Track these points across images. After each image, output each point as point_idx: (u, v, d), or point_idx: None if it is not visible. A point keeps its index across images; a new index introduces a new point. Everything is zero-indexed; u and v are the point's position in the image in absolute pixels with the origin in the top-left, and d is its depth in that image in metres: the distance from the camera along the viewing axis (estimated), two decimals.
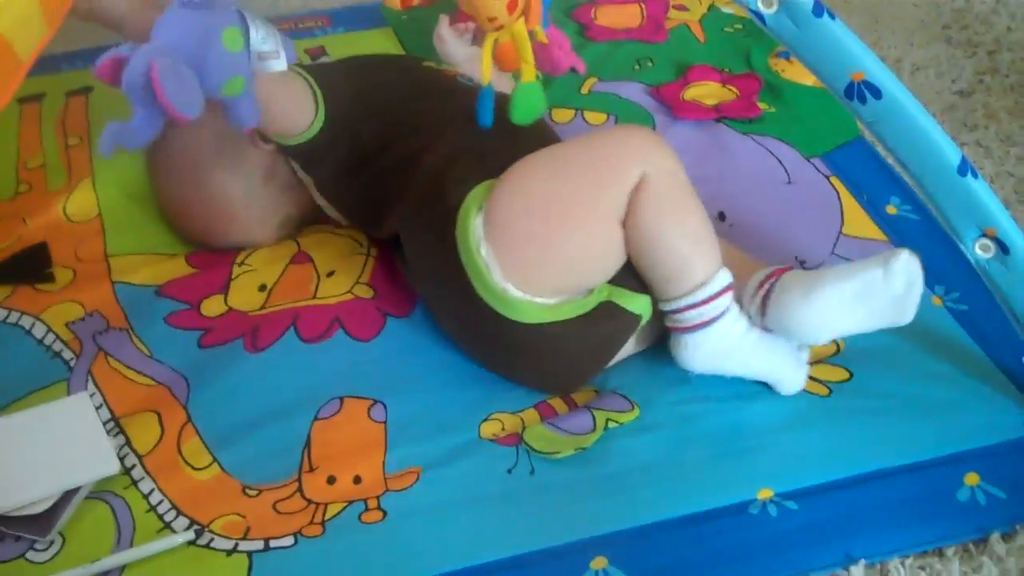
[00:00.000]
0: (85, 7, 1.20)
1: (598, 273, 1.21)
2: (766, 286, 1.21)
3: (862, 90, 1.14)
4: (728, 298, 1.19)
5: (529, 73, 1.22)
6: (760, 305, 1.20)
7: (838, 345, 1.31)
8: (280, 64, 1.18)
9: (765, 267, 1.24)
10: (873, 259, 1.16)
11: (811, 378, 1.26)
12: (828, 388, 1.26)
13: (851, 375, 1.28)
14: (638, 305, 1.22)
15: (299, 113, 1.31)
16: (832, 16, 1.13)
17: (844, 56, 1.13)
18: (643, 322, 1.23)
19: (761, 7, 1.15)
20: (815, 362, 1.28)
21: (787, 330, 1.20)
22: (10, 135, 1.62)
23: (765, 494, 1.15)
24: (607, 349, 1.25)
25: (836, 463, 1.17)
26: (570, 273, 1.21)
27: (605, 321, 1.22)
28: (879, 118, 1.15)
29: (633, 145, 1.20)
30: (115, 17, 1.21)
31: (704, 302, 1.17)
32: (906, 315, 1.17)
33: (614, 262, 1.20)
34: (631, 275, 1.21)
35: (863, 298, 1.16)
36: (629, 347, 1.27)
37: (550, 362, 1.24)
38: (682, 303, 1.18)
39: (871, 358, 1.29)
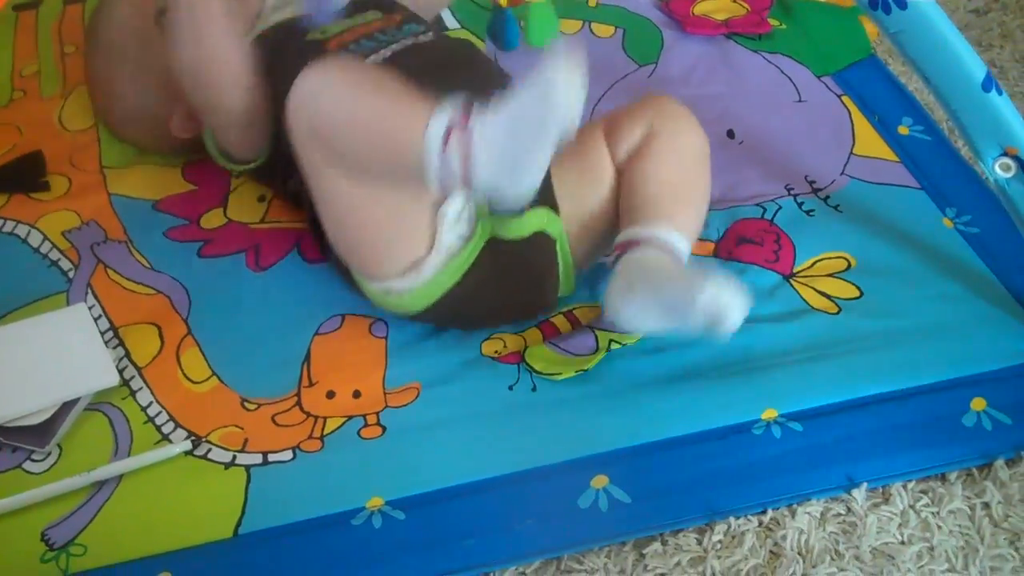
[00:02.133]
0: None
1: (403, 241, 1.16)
2: (612, 256, 1.17)
3: (887, 0, 1.11)
4: None
5: None
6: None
7: (849, 261, 1.29)
8: None
9: (627, 230, 1.18)
10: (690, 283, 1.08)
11: (821, 293, 1.25)
12: (838, 305, 1.24)
13: (861, 293, 1.26)
14: (530, 225, 1.18)
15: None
16: None
17: None
18: (560, 241, 1.20)
19: None
20: (826, 275, 1.27)
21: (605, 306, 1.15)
22: (5, 42, 1.59)
23: (770, 415, 1.13)
24: (540, 278, 1.22)
25: (842, 385, 1.16)
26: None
27: (508, 257, 1.18)
28: (903, 29, 1.12)
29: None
30: None
31: None
32: (722, 335, 1.09)
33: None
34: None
35: (673, 314, 1.09)
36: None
37: (490, 311, 1.22)
38: None
39: (882, 276, 1.27)
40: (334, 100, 1.08)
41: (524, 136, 0.99)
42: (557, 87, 0.97)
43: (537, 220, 1.18)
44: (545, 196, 1.17)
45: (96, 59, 1.40)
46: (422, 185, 1.04)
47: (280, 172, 1.24)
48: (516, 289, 1.20)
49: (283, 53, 1.23)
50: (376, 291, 1.19)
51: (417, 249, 1.15)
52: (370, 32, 1.27)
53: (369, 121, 1.07)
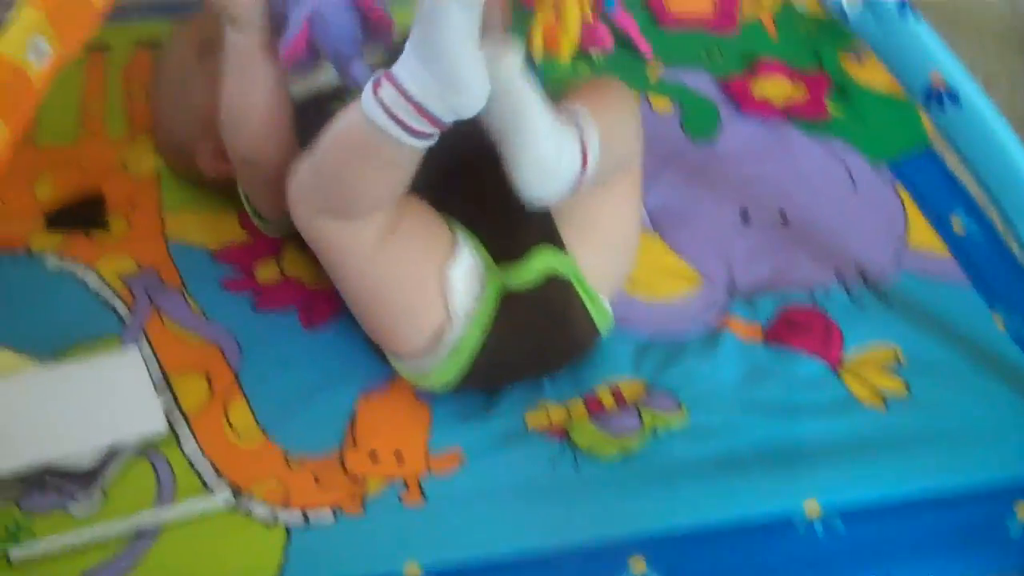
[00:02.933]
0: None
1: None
2: None
3: (941, 95, 1.12)
4: None
5: (568, 52, 1.22)
6: None
7: (898, 354, 1.29)
8: None
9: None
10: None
11: (868, 386, 1.25)
12: (884, 400, 1.24)
13: (908, 388, 1.26)
14: (535, 267, 1.18)
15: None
16: (917, 17, 1.11)
17: (925, 59, 1.12)
18: (576, 278, 1.20)
19: (845, 3, 1.13)
20: (874, 368, 1.27)
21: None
22: (75, 81, 1.61)
23: (812, 506, 1.13)
24: (566, 322, 1.22)
25: (887, 482, 1.15)
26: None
27: (526, 309, 1.18)
28: (956, 125, 1.13)
29: None
30: None
31: None
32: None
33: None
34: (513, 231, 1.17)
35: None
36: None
37: (528, 364, 1.23)
38: None
39: (930, 373, 1.28)
40: (305, 170, 1.10)
41: (436, 45, 0.99)
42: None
43: (542, 261, 1.18)
44: (545, 233, 1.18)
45: (152, 78, 1.45)
46: (433, 246, 1.12)
47: None
48: (545, 338, 1.21)
49: (310, 122, 1.23)
50: (408, 372, 1.20)
51: (435, 317, 1.16)
52: None
53: (329, 144, 1.07)
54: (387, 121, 1.01)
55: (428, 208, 1.18)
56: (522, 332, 1.18)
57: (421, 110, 1.01)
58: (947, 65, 1.11)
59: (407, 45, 1.01)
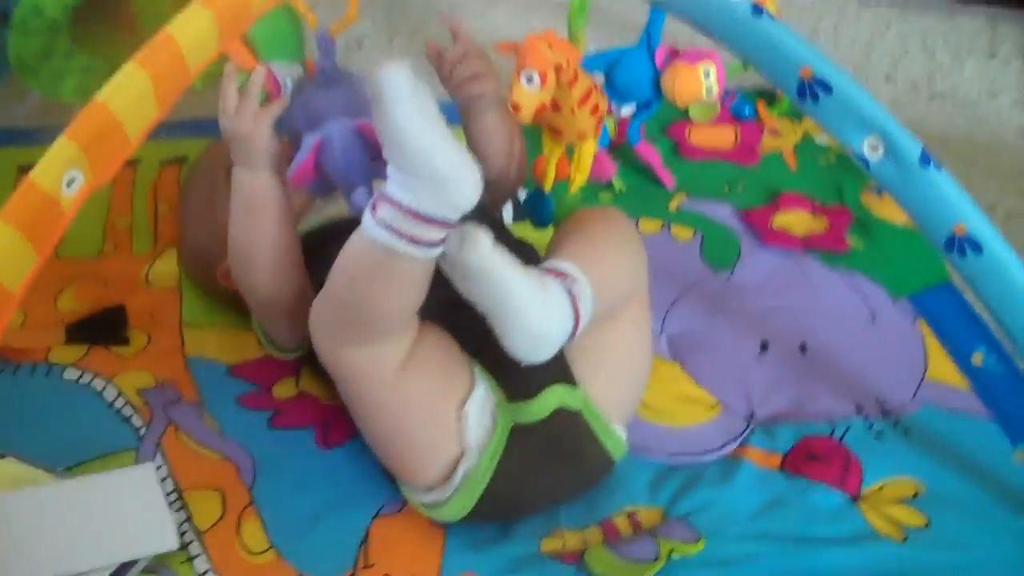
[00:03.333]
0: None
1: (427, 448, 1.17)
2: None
3: (963, 244, 1.13)
4: None
5: (579, 182, 1.33)
6: None
7: (918, 488, 1.28)
8: None
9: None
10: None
11: (887, 519, 1.24)
12: (904, 533, 1.23)
13: (928, 522, 1.25)
14: (546, 405, 1.17)
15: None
16: (939, 167, 1.12)
17: (947, 208, 1.13)
18: (587, 409, 1.19)
19: (867, 152, 1.15)
20: (894, 501, 1.26)
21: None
22: (102, 196, 1.63)
23: None
24: (577, 452, 1.21)
25: None
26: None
27: (536, 441, 1.17)
28: (978, 274, 1.13)
29: None
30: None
31: None
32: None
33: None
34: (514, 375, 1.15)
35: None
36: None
37: (541, 495, 1.22)
38: None
39: (950, 507, 1.26)
40: (320, 304, 1.11)
41: (403, 145, 0.98)
42: (388, 89, 0.96)
43: (554, 398, 1.17)
44: (556, 373, 1.17)
45: (182, 191, 1.50)
46: (451, 385, 1.14)
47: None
48: (556, 468, 1.20)
49: (324, 254, 1.24)
50: (421, 505, 1.19)
51: (450, 449, 1.15)
52: None
53: (340, 273, 1.08)
54: (395, 240, 1.01)
55: (447, 337, 1.18)
56: (533, 463, 1.18)
57: (422, 217, 1.00)
58: (969, 215, 1.12)
59: (387, 159, 1.01)
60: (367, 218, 1.02)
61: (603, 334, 1.19)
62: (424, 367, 1.14)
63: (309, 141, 1.12)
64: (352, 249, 1.06)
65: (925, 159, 1.13)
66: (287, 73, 1.20)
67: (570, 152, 1.35)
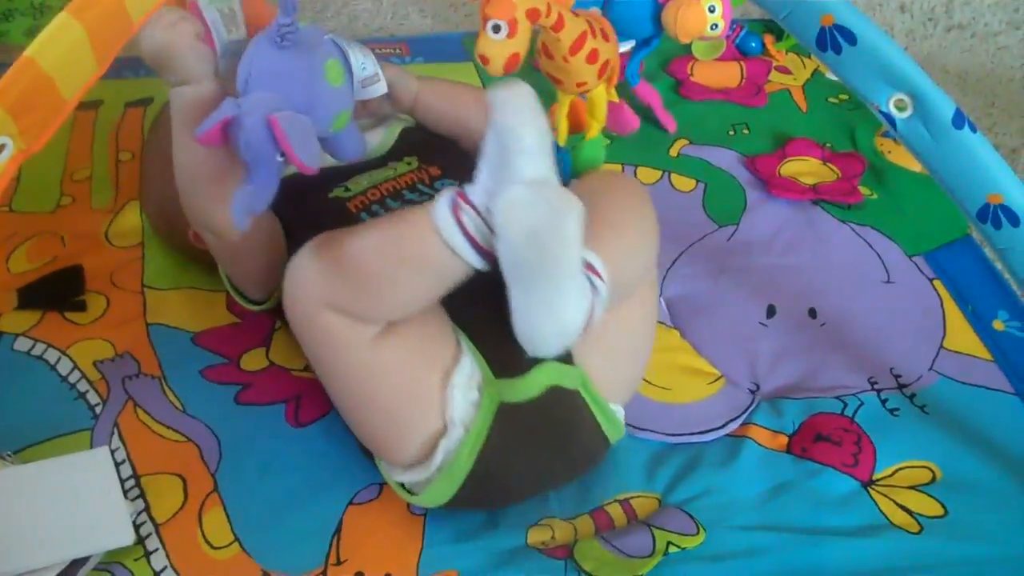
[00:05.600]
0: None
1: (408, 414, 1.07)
2: None
3: (998, 214, 1.03)
4: None
5: (596, 130, 1.23)
6: None
7: (934, 472, 1.20)
8: (381, 87, 1.16)
9: None
10: None
11: (901, 507, 1.16)
12: (919, 523, 1.15)
13: (946, 511, 1.17)
14: (537, 383, 1.07)
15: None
16: (973, 128, 1.01)
17: (981, 175, 1.04)
18: (584, 387, 1.09)
19: (893, 110, 1.04)
20: (908, 487, 1.18)
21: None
22: (59, 143, 1.53)
23: None
24: (570, 433, 1.11)
25: None
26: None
27: (526, 420, 1.08)
28: (1014, 248, 1.03)
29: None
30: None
31: None
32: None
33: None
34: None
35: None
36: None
37: (530, 480, 1.12)
38: None
39: (969, 493, 1.19)
40: (335, 256, 1.02)
41: (511, 169, 0.93)
42: (514, 124, 0.92)
43: (545, 376, 1.07)
44: None
45: (146, 140, 1.40)
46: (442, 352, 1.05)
47: None
48: (547, 452, 1.10)
49: (301, 207, 1.16)
50: (400, 486, 1.11)
51: (431, 424, 1.06)
52: (398, 189, 1.21)
53: (376, 248, 1.00)
54: (465, 247, 0.95)
55: (437, 307, 1.08)
56: (521, 445, 1.07)
57: (492, 224, 0.94)
58: (1006, 184, 1.02)
59: (486, 160, 0.95)
60: (446, 215, 0.95)
61: (606, 312, 1.09)
62: (406, 330, 1.04)
63: (226, 108, 1.01)
64: (409, 232, 0.99)
65: (959, 120, 1.03)
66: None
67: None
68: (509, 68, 1.10)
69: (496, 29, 1.06)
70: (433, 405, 1.06)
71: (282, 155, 1.00)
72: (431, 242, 0.96)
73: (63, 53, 0.93)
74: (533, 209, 0.91)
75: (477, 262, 0.96)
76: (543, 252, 0.92)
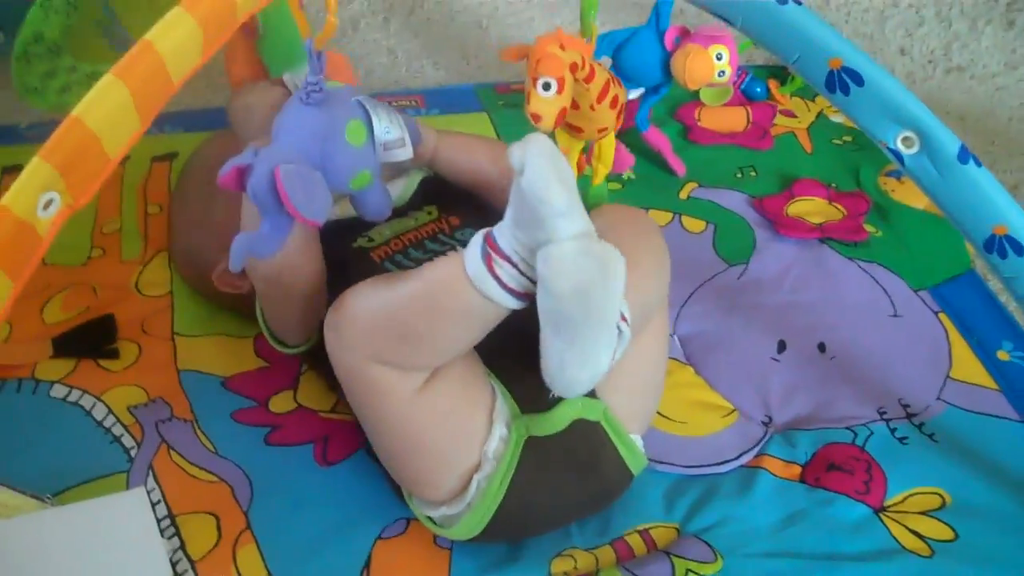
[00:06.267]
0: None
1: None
2: None
3: (1004, 245, 1.07)
4: None
5: (603, 175, 1.29)
6: None
7: (944, 498, 1.23)
8: (406, 152, 1.15)
9: None
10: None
11: (913, 532, 1.19)
12: (931, 547, 1.18)
13: (956, 535, 1.19)
14: (563, 417, 1.10)
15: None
16: (978, 163, 1.05)
17: (987, 207, 1.08)
18: (607, 422, 1.12)
19: (901, 147, 1.09)
20: (919, 512, 1.21)
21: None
22: None
23: None
24: (593, 465, 1.14)
25: None
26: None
27: (552, 453, 1.11)
28: (1020, 275, 1.07)
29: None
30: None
31: None
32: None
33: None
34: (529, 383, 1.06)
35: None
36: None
37: (556, 511, 1.15)
38: None
39: (979, 518, 1.21)
40: (374, 314, 1.04)
41: (546, 230, 0.93)
42: (541, 189, 0.91)
43: (572, 410, 1.11)
44: None
45: (176, 188, 1.44)
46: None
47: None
48: (573, 483, 1.13)
49: (325, 256, 1.20)
50: (430, 521, 1.14)
51: (469, 461, 1.09)
52: (420, 239, 1.25)
53: (418, 301, 1.02)
54: (503, 294, 0.97)
55: (471, 351, 1.12)
56: (549, 477, 1.11)
57: (523, 270, 0.97)
58: (1011, 215, 1.06)
59: (511, 217, 0.95)
60: (479, 265, 0.97)
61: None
62: (451, 373, 1.08)
63: (246, 155, 1.05)
64: (444, 288, 1.01)
65: (964, 155, 1.07)
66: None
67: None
68: (558, 123, 1.15)
69: (547, 87, 1.12)
70: (477, 443, 1.09)
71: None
72: (469, 294, 0.98)
73: (109, 112, 0.98)
74: (582, 267, 0.92)
75: (516, 304, 0.98)
76: (588, 307, 0.93)
